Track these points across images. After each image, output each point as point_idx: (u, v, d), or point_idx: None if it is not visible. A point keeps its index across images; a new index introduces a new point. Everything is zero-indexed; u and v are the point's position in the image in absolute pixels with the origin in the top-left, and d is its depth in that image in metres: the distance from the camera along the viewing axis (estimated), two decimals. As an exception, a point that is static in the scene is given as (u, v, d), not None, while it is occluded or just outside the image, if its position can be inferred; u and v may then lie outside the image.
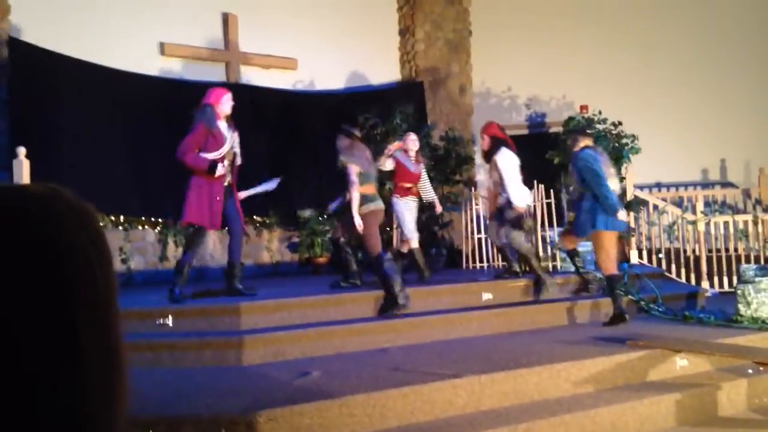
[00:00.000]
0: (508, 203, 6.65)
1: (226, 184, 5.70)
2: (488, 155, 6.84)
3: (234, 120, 5.90)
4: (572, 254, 6.66)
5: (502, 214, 6.74)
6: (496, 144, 6.80)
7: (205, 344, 4.80)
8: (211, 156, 5.58)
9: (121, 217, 8.06)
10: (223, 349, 4.79)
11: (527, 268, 6.83)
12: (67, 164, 7.53)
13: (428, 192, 7.23)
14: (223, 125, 5.75)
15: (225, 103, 5.76)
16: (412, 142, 7.06)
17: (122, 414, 0.73)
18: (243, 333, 4.96)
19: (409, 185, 6.97)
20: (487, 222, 6.89)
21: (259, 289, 6.04)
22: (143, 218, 8.26)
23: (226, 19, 9.23)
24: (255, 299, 5.53)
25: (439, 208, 7.40)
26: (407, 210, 6.93)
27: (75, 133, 7.71)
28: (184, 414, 3.54)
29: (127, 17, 8.43)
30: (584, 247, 7.64)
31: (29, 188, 0.73)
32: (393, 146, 6.97)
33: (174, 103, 8.55)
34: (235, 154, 5.83)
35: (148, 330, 5.05)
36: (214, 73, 9.12)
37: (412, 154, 7.01)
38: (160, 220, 8.37)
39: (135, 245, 8.18)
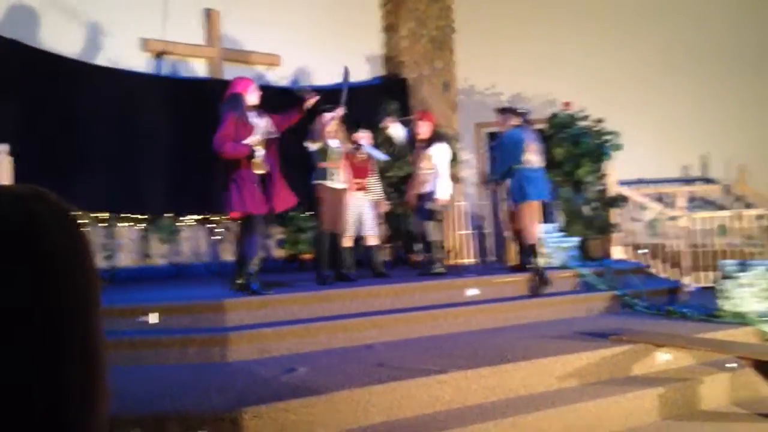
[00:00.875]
0: (430, 194, 6.95)
1: (262, 172, 5.66)
2: (428, 143, 7.08)
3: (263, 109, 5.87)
4: (531, 248, 6.86)
5: (422, 203, 7.06)
6: (437, 135, 7.18)
7: (190, 341, 4.77)
8: (246, 142, 5.56)
9: (105, 214, 7.99)
10: (208, 346, 4.76)
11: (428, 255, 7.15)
12: (49, 161, 7.46)
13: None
14: (252, 114, 5.72)
15: (252, 92, 5.78)
16: (364, 138, 7.03)
17: (103, 413, 0.73)
18: (228, 329, 4.94)
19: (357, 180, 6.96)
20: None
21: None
22: (127, 215, 8.20)
23: (208, 14, 9.18)
24: (239, 296, 5.50)
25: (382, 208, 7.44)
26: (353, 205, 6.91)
27: (56, 130, 7.63)
28: (168, 411, 3.52)
29: (109, 13, 8.36)
30: (568, 242, 7.70)
31: (10, 189, 0.73)
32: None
33: (156, 99, 8.51)
34: (270, 140, 5.79)
35: (131, 327, 5.01)
36: (197, 69, 9.07)
37: (363, 150, 6.99)
38: (144, 216, 8.32)
39: (118, 242, 8.11)
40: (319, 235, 6.66)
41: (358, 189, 6.96)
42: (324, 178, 6.57)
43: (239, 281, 5.66)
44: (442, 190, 6.97)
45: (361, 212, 6.98)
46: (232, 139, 5.52)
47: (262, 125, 5.74)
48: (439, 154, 7.05)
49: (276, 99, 9.25)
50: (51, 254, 0.69)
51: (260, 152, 5.60)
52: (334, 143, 6.72)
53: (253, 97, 5.78)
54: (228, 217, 6.05)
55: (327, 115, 6.67)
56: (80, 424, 0.70)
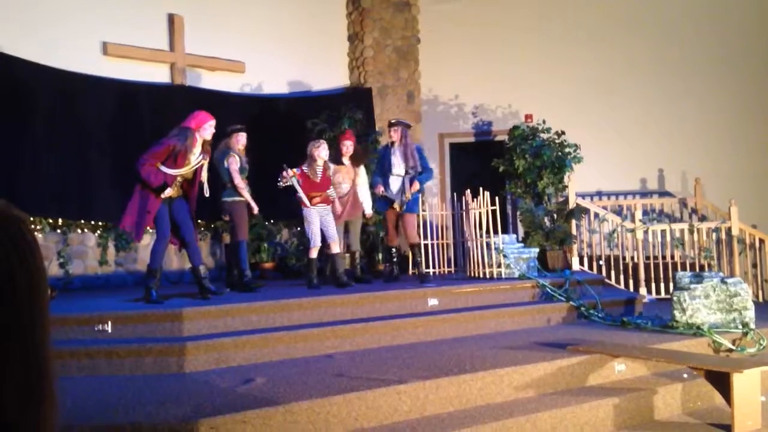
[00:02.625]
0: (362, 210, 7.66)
1: (171, 195, 5.78)
2: (357, 161, 7.61)
3: (210, 148, 6.09)
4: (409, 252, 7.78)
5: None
6: (363, 154, 7.79)
7: (146, 351, 4.69)
8: (168, 172, 5.68)
9: (59, 220, 7.83)
10: (165, 356, 4.69)
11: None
12: (3, 166, 7.29)
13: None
14: (195, 150, 5.82)
15: (206, 130, 5.89)
16: (324, 150, 7.05)
17: (49, 419, 0.72)
18: (185, 339, 4.87)
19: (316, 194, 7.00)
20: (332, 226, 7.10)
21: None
22: (82, 221, 8.04)
23: (171, 20, 9.09)
24: (199, 305, 5.44)
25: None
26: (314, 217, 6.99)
27: (12, 134, 7.46)
28: (121, 423, 3.45)
29: (70, 16, 8.22)
30: (528, 253, 7.79)
31: None
32: (290, 173, 6.95)
33: (117, 105, 8.39)
34: (195, 180, 5.93)
35: (86, 336, 4.91)
36: (159, 74, 8.97)
37: (320, 162, 7.01)
38: (100, 223, 8.17)
39: (74, 249, 7.96)
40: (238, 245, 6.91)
41: (320, 202, 6.95)
42: (233, 195, 6.82)
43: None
44: (370, 205, 7.74)
45: (325, 222, 6.97)
46: (159, 163, 5.67)
47: (194, 162, 5.84)
48: (364, 173, 7.66)
49: (240, 107, 9.25)
50: None
51: (170, 189, 5.68)
52: (243, 161, 6.96)
53: (206, 134, 5.91)
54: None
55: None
56: (21, 427, 0.68)
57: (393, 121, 7.81)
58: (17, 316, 0.70)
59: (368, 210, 7.73)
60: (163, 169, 5.69)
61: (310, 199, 6.87)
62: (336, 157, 7.45)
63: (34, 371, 0.71)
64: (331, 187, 7.11)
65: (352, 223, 7.70)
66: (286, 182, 6.85)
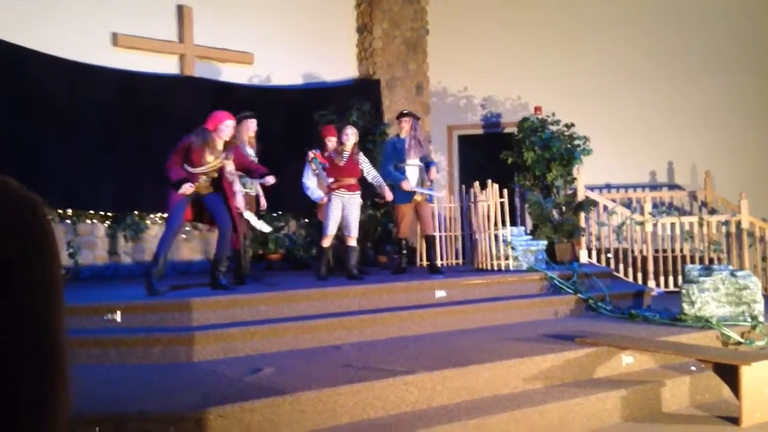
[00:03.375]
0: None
1: (200, 192, 5.82)
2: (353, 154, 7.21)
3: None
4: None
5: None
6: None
7: (154, 340, 4.72)
8: (188, 170, 5.74)
9: (69, 211, 7.87)
10: (173, 346, 4.71)
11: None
12: (14, 156, 7.33)
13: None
14: (214, 149, 5.82)
15: (223, 129, 5.85)
16: (348, 135, 6.98)
17: (64, 410, 0.72)
18: (194, 329, 4.89)
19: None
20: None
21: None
22: (92, 212, 8.08)
23: (181, 11, 9.08)
24: (206, 295, 5.46)
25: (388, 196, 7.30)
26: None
27: (23, 125, 7.49)
28: (130, 411, 3.48)
29: (80, 7, 8.24)
30: (537, 245, 7.77)
31: None
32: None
33: (126, 96, 8.40)
34: (221, 176, 5.93)
35: (96, 325, 4.94)
36: (169, 65, 8.98)
37: (348, 147, 6.96)
38: (109, 214, 8.20)
39: (83, 239, 8.00)
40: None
41: (344, 187, 6.87)
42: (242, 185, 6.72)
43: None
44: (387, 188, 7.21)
45: (348, 212, 6.89)
46: (181, 162, 5.75)
47: (213, 162, 5.84)
48: (365, 158, 7.24)
49: (248, 98, 9.25)
50: (5, 241, 0.68)
51: (189, 186, 5.66)
52: (250, 152, 6.86)
53: (223, 134, 5.87)
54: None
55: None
56: (34, 420, 0.69)
57: (405, 112, 7.78)
58: (33, 302, 0.70)
59: (388, 192, 7.15)
60: (186, 167, 5.76)
61: (331, 183, 6.80)
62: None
63: (50, 359, 0.71)
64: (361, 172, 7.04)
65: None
66: (314, 168, 6.78)
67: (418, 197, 7.50)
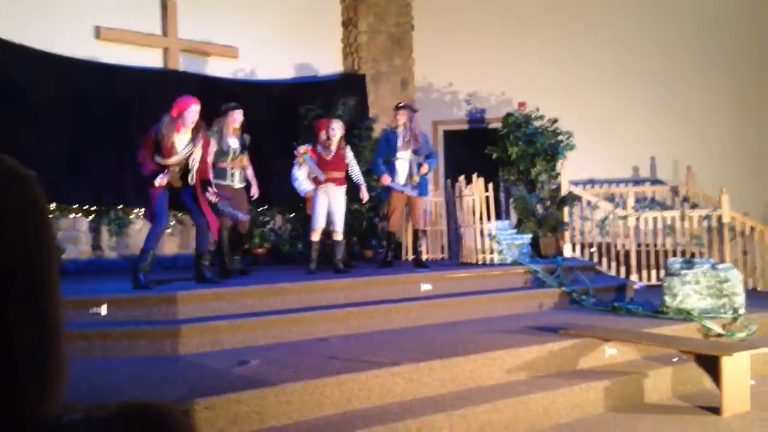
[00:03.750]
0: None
1: (172, 183, 5.81)
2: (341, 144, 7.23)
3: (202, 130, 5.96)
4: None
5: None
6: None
7: (140, 333, 4.71)
8: (159, 162, 5.72)
9: (52, 206, 7.81)
10: (159, 339, 4.71)
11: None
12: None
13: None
14: (182, 136, 5.79)
15: (186, 115, 5.77)
16: (334, 129, 6.97)
17: (59, 380, 0.73)
18: (179, 322, 4.88)
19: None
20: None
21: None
22: (75, 206, 8.03)
23: (164, 4, 9.03)
24: (192, 289, 5.45)
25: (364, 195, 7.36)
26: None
27: (3, 118, 7.42)
28: (116, 402, 3.47)
29: (62, 0, 8.16)
30: (521, 239, 7.83)
31: None
32: (301, 150, 6.90)
33: (109, 89, 8.35)
34: (191, 164, 5.89)
35: (82, 319, 4.92)
36: (152, 59, 8.93)
37: (335, 141, 6.95)
38: (93, 208, 8.15)
39: (66, 234, 7.94)
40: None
41: (331, 181, 6.90)
42: (223, 178, 6.67)
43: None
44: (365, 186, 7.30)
45: (335, 206, 6.90)
46: (150, 155, 5.73)
47: (185, 150, 5.80)
48: (350, 153, 7.29)
49: (233, 92, 9.23)
50: (2, 214, 0.69)
51: (162, 176, 5.65)
52: (234, 143, 6.76)
53: (187, 118, 5.79)
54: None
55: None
56: (33, 389, 0.70)
57: (401, 104, 7.73)
58: (28, 273, 0.72)
59: (365, 193, 7.30)
60: (157, 159, 5.72)
61: (315, 177, 6.80)
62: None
63: (47, 331, 0.72)
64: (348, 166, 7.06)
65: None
66: (301, 162, 6.78)
67: (407, 191, 7.51)
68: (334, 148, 6.92)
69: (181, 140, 5.80)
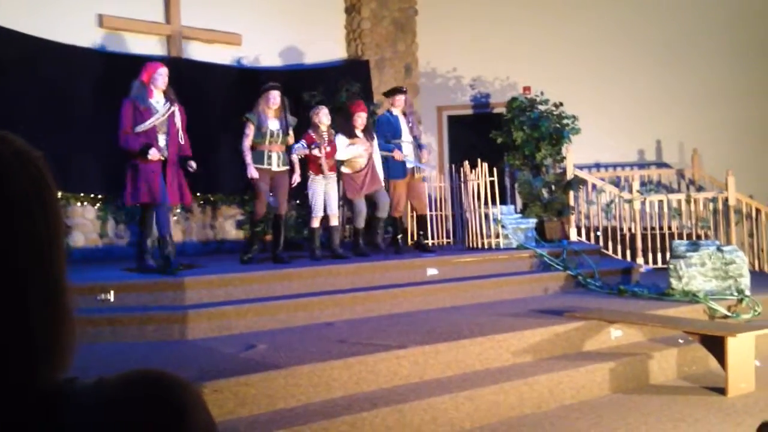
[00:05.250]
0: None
1: (161, 158, 5.78)
2: (369, 132, 7.24)
3: (176, 94, 5.91)
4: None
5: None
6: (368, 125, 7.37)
7: (148, 319, 4.75)
8: (141, 128, 5.68)
9: (59, 194, 7.84)
10: (167, 324, 4.75)
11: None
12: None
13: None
14: (156, 101, 5.78)
15: (157, 78, 5.79)
16: (321, 117, 6.92)
17: (72, 348, 0.75)
18: (187, 307, 4.93)
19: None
20: (353, 200, 7.14)
21: (205, 264, 6.07)
22: (82, 194, 8.06)
23: (167, -9, 9.01)
24: (199, 273, 5.48)
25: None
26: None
27: (5, 107, 7.44)
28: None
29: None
30: (526, 224, 7.84)
31: None
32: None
33: (112, 77, 8.34)
34: (171, 129, 5.84)
35: (90, 305, 4.96)
36: (155, 47, 8.92)
37: (324, 129, 6.91)
38: (99, 196, 8.19)
39: (74, 221, 7.99)
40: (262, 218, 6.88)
41: (329, 170, 6.91)
42: (260, 161, 6.58)
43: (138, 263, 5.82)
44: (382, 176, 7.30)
45: (329, 193, 6.92)
46: (131, 128, 5.71)
47: (161, 112, 5.78)
48: (376, 143, 7.32)
49: (236, 80, 9.23)
50: (11, 195, 0.71)
51: (154, 150, 5.66)
52: (273, 125, 6.64)
53: (158, 82, 5.82)
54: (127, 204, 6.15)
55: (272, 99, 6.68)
56: (44, 367, 0.72)
57: (403, 89, 7.80)
58: (38, 255, 0.73)
59: (381, 182, 7.27)
60: (137, 129, 5.70)
61: (318, 166, 6.82)
62: (349, 130, 7.13)
63: (57, 312, 0.74)
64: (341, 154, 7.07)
65: (377, 195, 7.25)
66: (302, 153, 6.77)
67: (415, 174, 7.53)
68: (326, 135, 6.92)
69: (157, 103, 5.82)
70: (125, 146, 5.70)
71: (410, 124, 7.59)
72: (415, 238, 7.84)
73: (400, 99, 7.64)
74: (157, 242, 5.98)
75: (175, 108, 5.90)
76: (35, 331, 0.71)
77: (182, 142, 6.02)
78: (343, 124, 7.21)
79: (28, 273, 0.72)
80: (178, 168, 5.97)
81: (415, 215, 7.88)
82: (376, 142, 7.33)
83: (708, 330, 4.90)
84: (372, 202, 7.31)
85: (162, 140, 5.80)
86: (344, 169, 7.11)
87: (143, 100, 5.72)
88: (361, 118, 7.14)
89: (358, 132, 7.18)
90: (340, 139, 7.06)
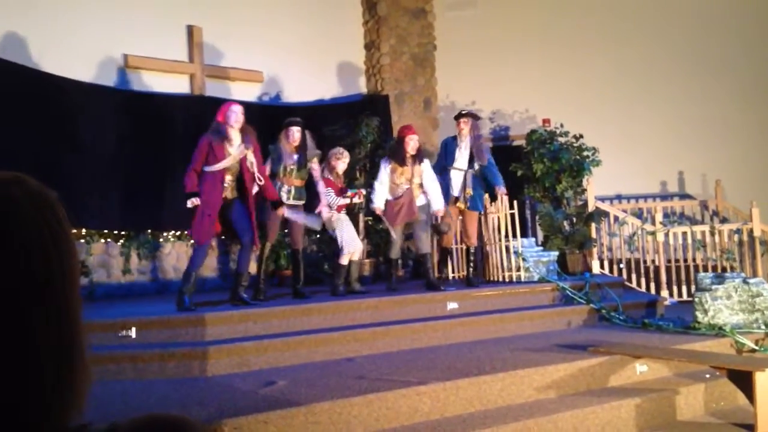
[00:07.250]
0: (425, 207, 7.03)
1: (226, 196, 5.82)
2: (419, 158, 7.00)
3: (253, 134, 5.99)
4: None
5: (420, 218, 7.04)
6: (422, 149, 7.20)
7: (169, 355, 4.76)
8: (210, 169, 5.73)
9: (83, 231, 7.95)
10: (188, 360, 4.75)
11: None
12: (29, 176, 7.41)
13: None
14: (233, 140, 5.84)
15: (230, 116, 5.89)
16: (344, 164, 6.95)
17: (84, 392, 0.75)
18: (207, 344, 4.93)
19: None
20: (393, 227, 6.98)
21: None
22: (105, 231, 8.16)
23: (190, 31, 9.22)
24: (220, 310, 5.50)
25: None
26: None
27: (37, 145, 7.60)
28: (147, 424, 3.50)
29: (91, 28, 8.37)
30: (548, 256, 7.78)
31: None
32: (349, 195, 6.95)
33: (138, 115, 8.51)
34: (245, 174, 5.88)
35: (111, 342, 4.99)
36: (179, 85, 9.09)
37: (340, 172, 6.94)
38: (122, 233, 8.28)
39: (98, 258, 8.07)
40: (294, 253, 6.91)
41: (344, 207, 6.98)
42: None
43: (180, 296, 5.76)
44: (440, 200, 7.00)
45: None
46: (200, 166, 5.76)
47: (235, 153, 5.83)
48: (429, 167, 7.08)
49: (258, 116, 9.34)
50: (24, 236, 0.72)
51: (191, 202, 5.68)
52: (290, 159, 6.65)
53: (230, 120, 5.88)
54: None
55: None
56: (55, 410, 0.72)
57: (464, 112, 7.58)
58: (51, 290, 0.74)
59: (440, 206, 6.98)
60: (206, 168, 5.72)
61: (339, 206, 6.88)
62: (401, 155, 6.95)
63: (69, 352, 0.74)
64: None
65: (416, 225, 7.08)
66: (344, 204, 6.85)
67: (459, 204, 7.38)
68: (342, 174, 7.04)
69: (231, 143, 5.84)
70: (184, 182, 5.78)
71: (459, 150, 7.38)
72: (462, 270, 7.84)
73: (460, 124, 7.44)
74: (234, 275, 6.17)
75: (248, 151, 5.87)
76: (47, 372, 0.72)
77: (261, 183, 5.98)
78: (394, 149, 7.13)
79: (42, 314, 0.72)
80: (249, 209, 5.89)
81: (463, 247, 7.79)
82: (427, 165, 7.06)
83: (736, 364, 4.79)
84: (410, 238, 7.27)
85: (228, 180, 5.81)
86: (387, 196, 7.06)
87: (218, 140, 5.77)
88: (413, 141, 6.97)
89: (408, 158, 7.00)
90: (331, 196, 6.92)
